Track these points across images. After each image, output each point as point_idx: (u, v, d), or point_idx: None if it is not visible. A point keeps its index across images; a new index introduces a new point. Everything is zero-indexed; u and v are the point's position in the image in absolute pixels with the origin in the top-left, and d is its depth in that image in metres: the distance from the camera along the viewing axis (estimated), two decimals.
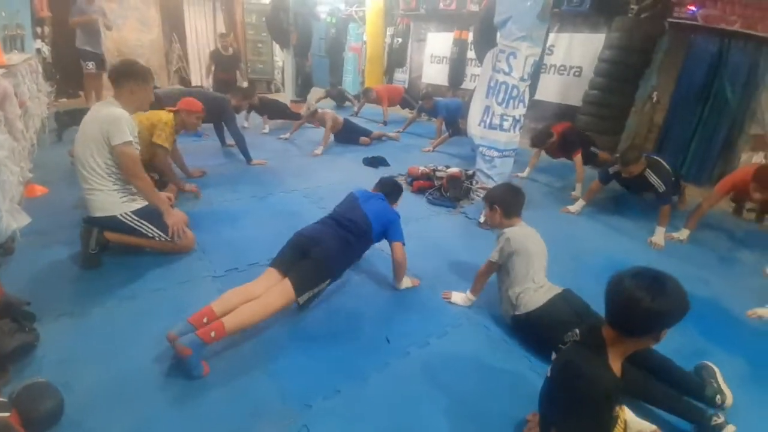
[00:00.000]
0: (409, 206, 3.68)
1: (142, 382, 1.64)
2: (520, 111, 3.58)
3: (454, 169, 3.89)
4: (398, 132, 6.36)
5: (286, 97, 7.80)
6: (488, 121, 3.62)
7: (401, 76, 9.76)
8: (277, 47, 10.30)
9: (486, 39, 3.61)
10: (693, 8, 4.79)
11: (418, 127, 6.77)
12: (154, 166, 3.05)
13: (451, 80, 7.88)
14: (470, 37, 7.57)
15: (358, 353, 1.90)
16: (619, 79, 5.54)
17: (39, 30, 5.54)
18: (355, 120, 6.26)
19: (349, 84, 11.04)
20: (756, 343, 2.24)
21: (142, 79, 2.30)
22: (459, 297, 2.32)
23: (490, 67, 3.53)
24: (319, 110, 5.29)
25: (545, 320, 1.95)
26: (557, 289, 2.08)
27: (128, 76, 2.25)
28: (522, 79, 3.43)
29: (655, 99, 5.69)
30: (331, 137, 5.40)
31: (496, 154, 3.68)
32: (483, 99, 3.63)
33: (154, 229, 2.37)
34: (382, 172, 4.63)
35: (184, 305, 2.06)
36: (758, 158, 4.63)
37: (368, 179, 4.42)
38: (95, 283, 2.21)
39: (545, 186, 4.61)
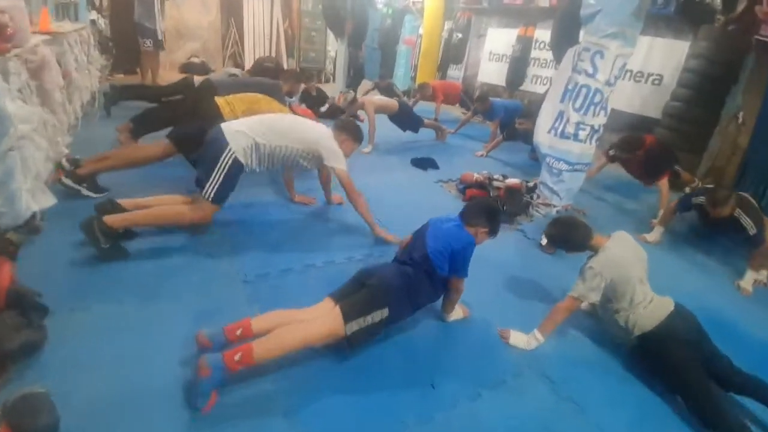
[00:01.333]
0: None
1: (148, 403, 1.42)
2: (600, 120, 3.11)
3: (513, 180, 3.48)
4: (450, 131, 5.95)
5: (336, 87, 7.59)
6: (560, 128, 3.17)
7: (455, 73, 9.29)
8: (330, 37, 10.12)
9: (567, 36, 3.16)
10: None
11: (471, 128, 6.32)
12: None
13: (509, 80, 7.36)
14: (536, 34, 7.05)
15: (398, 399, 1.59)
16: (705, 92, 4.95)
17: (97, 1, 5.58)
18: None
19: (400, 78, 10.68)
20: None
21: (356, 138, 2.66)
22: (520, 339, 1.94)
23: (569, 67, 3.08)
24: (359, 98, 4.95)
25: (665, 342, 1.78)
26: (668, 304, 1.89)
27: (347, 131, 2.62)
28: (608, 83, 2.96)
29: (740, 120, 5.03)
30: (381, 121, 5.06)
31: (565, 167, 3.23)
32: (556, 103, 3.18)
33: (217, 179, 2.21)
34: (432, 175, 4.29)
35: (209, 312, 1.85)
36: None
37: (415, 180, 4.14)
38: (117, 276, 2.02)
39: (613, 207, 4.08)
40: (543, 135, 3.30)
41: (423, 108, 7.24)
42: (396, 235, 2.68)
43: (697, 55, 4.83)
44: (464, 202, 3.62)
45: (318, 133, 2.49)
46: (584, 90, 3.01)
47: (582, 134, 3.11)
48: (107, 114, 4.33)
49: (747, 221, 2.79)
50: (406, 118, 5.28)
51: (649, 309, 1.85)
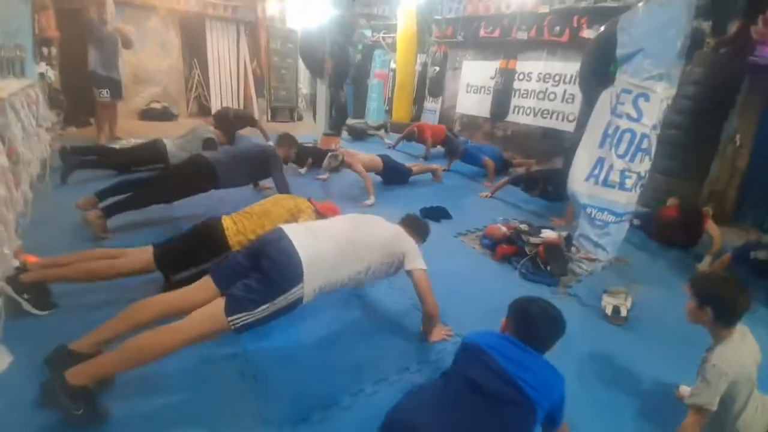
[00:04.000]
0: (500, 283, 2.89)
1: None
2: (646, 166, 2.84)
3: (550, 233, 3.12)
4: (445, 168, 5.66)
5: (311, 127, 7.16)
6: (602, 176, 2.87)
7: (431, 106, 9.16)
8: (302, 74, 9.80)
9: (599, 75, 2.92)
10: None
11: (459, 165, 6.02)
12: None
13: (493, 112, 7.23)
14: (518, 66, 7.01)
15: None
16: (702, 118, 4.90)
17: (45, 51, 4.92)
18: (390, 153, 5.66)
19: (373, 112, 10.50)
20: None
21: (423, 239, 2.41)
22: None
23: (607, 111, 2.81)
24: (346, 158, 4.50)
25: None
26: None
27: (419, 232, 2.35)
28: (654, 128, 2.71)
29: (738, 143, 5.07)
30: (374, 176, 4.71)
31: (611, 218, 2.91)
32: (595, 149, 2.89)
33: (261, 313, 1.60)
34: (447, 227, 3.87)
35: None
36: None
37: (432, 236, 3.57)
38: None
39: (646, 251, 3.76)
40: (580, 183, 2.99)
41: (407, 146, 6.95)
42: (448, 328, 2.23)
43: (694, 82, 4.79)
44: (496, 261, 3.22)
45: (394, 233, 2.11)
46: (628, 135, 2.74)
47: (628, 182, 2.82)
48: (63, 182, 3.67)
49: None
50: (391, 173, 4.94)
51: (759, 413, 1.54)
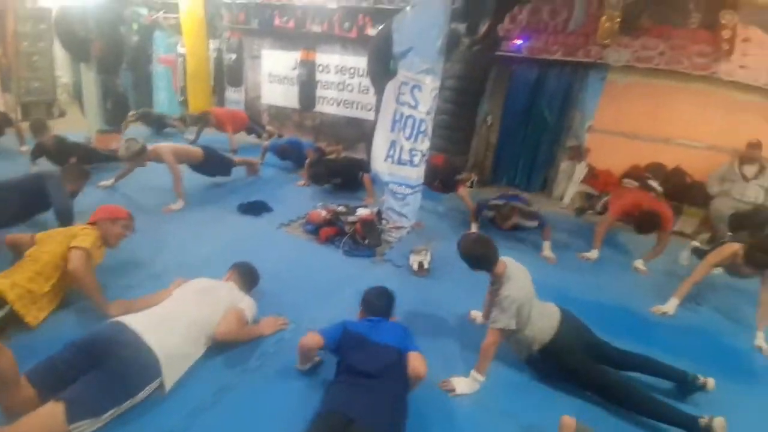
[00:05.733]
0: (327, 263, 3.10)
1: None
2: (426, 145, 3.44)
3: (364, 211, 3.47)
4: (259, 162, 5.49)
5: (80, 123, 5.81)
6: (396, 156, 3.35)
7: (235, 96, 8.68)
8: (60, 60, 7.82)
9: (383, 68, 3.33)
10: (518, 42, 5.56)
11: (272, 157, 5.98)
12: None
13: (302, 103, 7.36)
14: (317, 58, 7.27)
15: None
16: (463, 105, 6.12)
17: None
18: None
19: (164, 103, 9.25)
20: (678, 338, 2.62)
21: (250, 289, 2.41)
22: (464, 384, 1.94)
23: (393, 100, 3.26)
24: (149, 146, 3.81)
25: (561, 354, 1.97)
26: (554, 311, 2.07)
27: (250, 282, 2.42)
28: (428, 113, 3.29)
29: (489, 122, 6.57)
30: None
31: (408, 191, 3.44)
32: (387, 133, 3.34)
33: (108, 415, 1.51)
34: (268, 220, 3.84)
35: None
36: (580, 167, 5.62)
37: (255, 231, 3.59)
38: None
39: (431, 213, 4.56)
40: (380, 163, 3.41)
41: (209, 137, 6.44)
42: (282, 319, 2.31)
43: (453, 76, 5.88)
44: (321, 244, 3.40)
45: (233, 301, 2.13)
46: (410, 120, 3.25)
47: (416, 159, 3.37)
48: None
49: (530, 224, 3.56)
50: (214, 164, 4.49)
51: (543, 321, 1.99)
